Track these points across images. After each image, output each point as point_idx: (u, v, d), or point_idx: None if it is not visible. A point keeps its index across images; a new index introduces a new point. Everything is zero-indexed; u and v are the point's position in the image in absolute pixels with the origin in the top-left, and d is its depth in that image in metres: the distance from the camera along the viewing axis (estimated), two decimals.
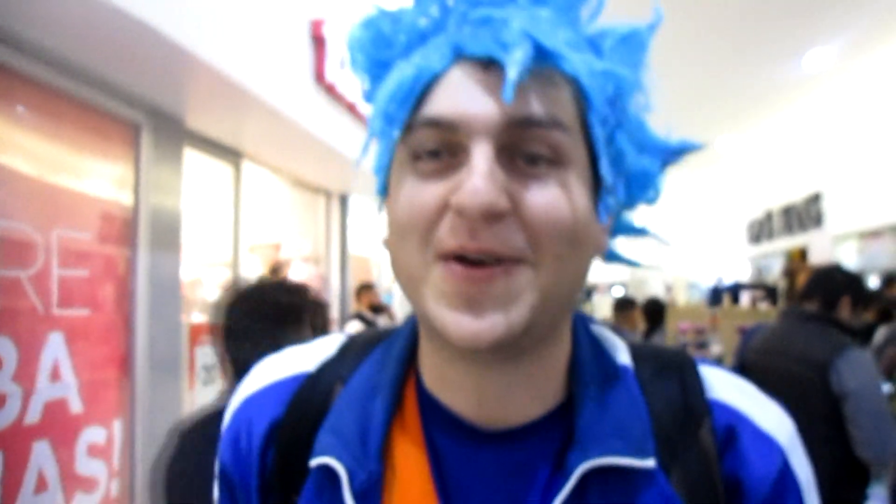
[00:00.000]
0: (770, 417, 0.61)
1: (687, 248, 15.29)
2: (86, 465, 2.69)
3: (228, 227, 4.17)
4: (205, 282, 4.30)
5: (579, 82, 0.53)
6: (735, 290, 6.56)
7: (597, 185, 0.56)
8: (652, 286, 16.50)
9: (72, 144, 2.73)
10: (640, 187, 0.62)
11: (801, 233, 9.70)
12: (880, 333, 3.98)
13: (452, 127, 0.51)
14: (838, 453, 2.36)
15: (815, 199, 9.22)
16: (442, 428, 0.60)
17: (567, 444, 0.57)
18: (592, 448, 0.55)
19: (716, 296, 6.77)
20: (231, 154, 4.07)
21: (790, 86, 6.79)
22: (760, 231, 11.61)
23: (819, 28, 5.42)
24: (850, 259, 7.97)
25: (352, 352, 0.69)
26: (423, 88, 0.53)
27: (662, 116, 0.65)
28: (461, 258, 0.51)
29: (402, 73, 0.54)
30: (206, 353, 3.81)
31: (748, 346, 2.75)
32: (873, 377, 2.33)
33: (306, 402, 0.65)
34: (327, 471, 0.59)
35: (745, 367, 2.71)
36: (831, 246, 8.21)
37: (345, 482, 0.56)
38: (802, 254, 9.72)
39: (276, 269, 5.67)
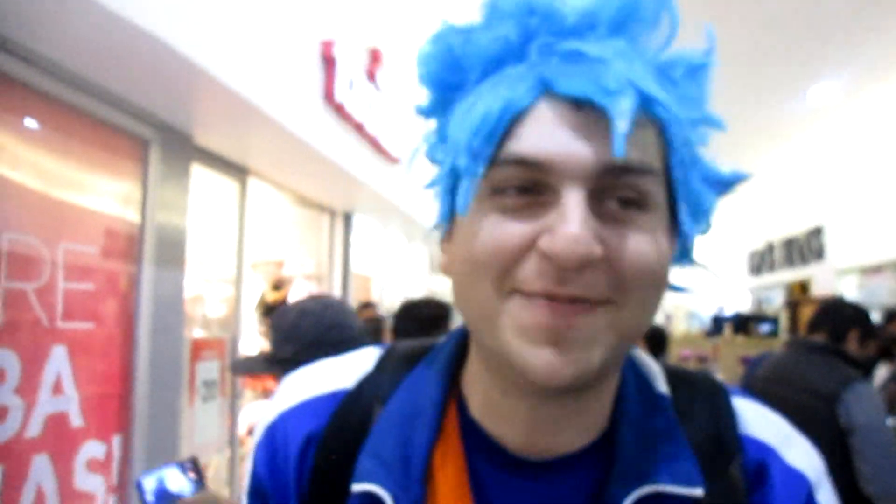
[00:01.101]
0: (800, 453, 0.61)
1: (687, 277, 15.29)
2: (84, 481, 2.67)
3: (232, 243, 4.17)
4: (206, 298, 4.29)
5: (665, 126, 0.52)
6: (737, 321, 6.56)
7: (673, 227, 0.56)
8: None
9: (80, 159, 2.74)
10: (700, 220, 0.60)
11: (803, 266, 9.72)
12: (882, 371, 3.96)
13: (543, 168, 0.49)
14: (842, 485, 2.34)
15: (817, 232, 9.25)
16: (484, 455, 0.60)
17: (607, 474, 0.57)
18: (636, 479, 0.55)
19: (717, 325, 6.77)
20: (237, 170, 4.08)
21: (795, 119, 6.85)
22: (761, 262, 11.63)
23: (824, 63, 5.48)
24: (850, 294, 7.98)
25: (390, 367, 0.68)
26: (510, 121, 0.51)
27: None
28: (546, 296, 0.50)
29: (486, 105, 0.51)
30: (207, 369, 3.79)
31: (754, 375, 2.75)
32: (880, 411, 2.32)
33: (346, 421, 0.64)
34: (371, 497, 0.58)
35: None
36: (835, 279, 8.22)
37: None
38: (803, 287, 9.73)
39: (278, 285, 5.67)
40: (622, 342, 0.52)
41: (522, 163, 0.50)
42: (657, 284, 0.52)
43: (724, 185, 0.61)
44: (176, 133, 3.27)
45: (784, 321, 7.81)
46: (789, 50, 5.24)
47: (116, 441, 2.91)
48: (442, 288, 11.03)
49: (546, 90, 0.50)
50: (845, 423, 2.31)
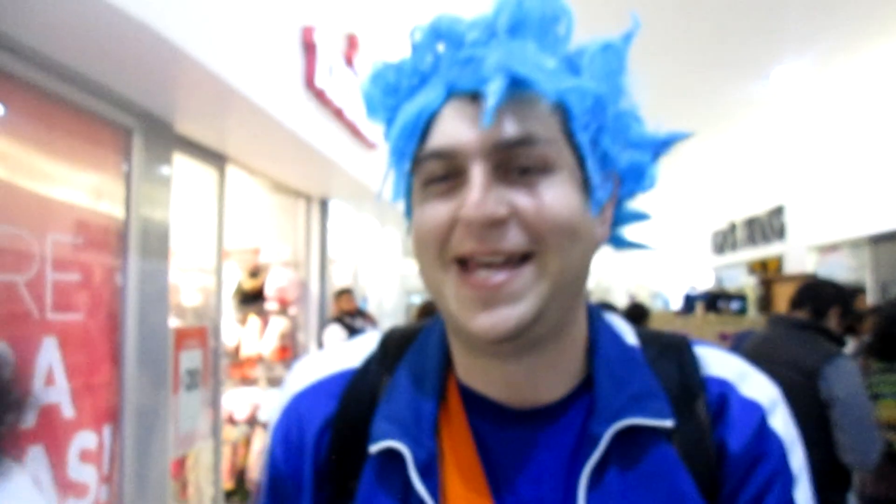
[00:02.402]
0: (754, 385, 0.70)
1: (652, 257, 15.55)
2: (78, 471, 2.65)
3: (212, 231, 4.14)
4: (186, 287, 4.26)
5: (560, 99, 0.61)
6: (707, 299, 6.73)
7: (586, 184, 0.65)
8: (616, 295, 16.75)
9: (63, 149, 2.69)
10: (634, 179, 0.71)
11: (765, 244, 9.95)
12: (848, 346, 4.13)
13: (452, 155, 0.61)
14: (824, 457, 2.46)
15: (778, 212, 9.47)
16: (479, 412, 0.69)
17: (588, 416, 0.66)
18: (613, 416, 0.64)
19: (689, 304, 6.94)
20: (216, 158, 4.05)
21: (757, 100, 6.98)
22: (724, 242, 11.87)
23: (786, 44, 5.59)
24: (808, 271, 8.19)
25: (392, 346, 0.77)
26: (426, 125, 0.63)
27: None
28: (473, 262, 0.61)
29: (406, 113, 0.64)
30: (190, 358, 3.78)
31: (738, 353, 2.85)
32: (859, 385, 2.43)
33: (357, 394, 0.72)
34: (389, 454, 0.66)
35: None
36: (807, 257, 8.45)
37: (409, 461, 0.64)
38: (764, 265, 9.98)
39: (255, 273, 5.65)
40: (555, 289, 0.61)
41: (437, 156, 0.62)
42: (570, 232, 0.61)
43: (658, 146, 0.71)
44: (157, 121, 3.23)
45: (751, 298, 8.04)
46: (752, 32, 5.33)
47: (107, 431, 2.89)
48: (413, 272, 11.07)
49: (451, 93, 0.63)
50: (826, 396, 2.41)
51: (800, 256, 8.63)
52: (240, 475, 5.59)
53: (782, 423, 0.69)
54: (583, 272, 0.66)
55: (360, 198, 6.16)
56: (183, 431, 3.70)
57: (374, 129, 5.31)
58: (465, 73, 0.61)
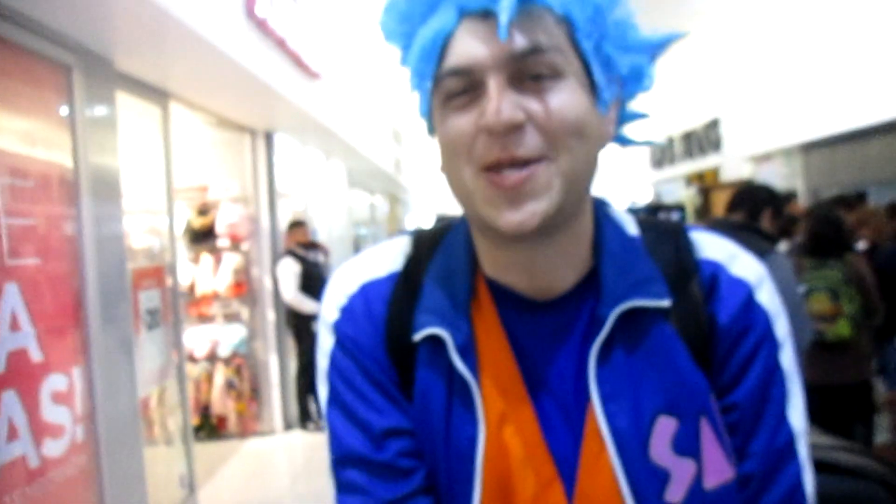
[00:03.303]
0: (743, 265, 0.78)
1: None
2: (51, 412, 2.70)
3: (159, 171, 4.09)
4: (137, 229, 4.22)
5: (563, 11, 0.66)
6: (649, 211, 6.97)
7: (593, 87, 0.70)
8: None
9: (2, 88, 2.62)
10: (635, 80, 0.77)
11: (701, 157, 10.24)
12: (782, 246, 4.39)
13: (469, 71, 0.66)
14: None
15: (714, 124, 9.72)
16: (505, 302, 0.77)
17: (597, 302, 0.74)
18: (617, 299, 0.72)
19: None
20: (159, 95, 3.97)
21: (692, 14, 7.07)
22: (663, 156, 12.15)
23: None
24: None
25: (424, 248, 0.84)
26: (443, 45, 0.68)
27: None
28: (498, 167, 0.66)
29: (423, 36, 0.68)
30: (149, 297, 3.80)
31: None
32: (791, 278, 2.63)
33: (402, 295, 0.80)
34: (432, 340, 0.75)
35: None
36: (743, 167, 8.75)
37: (450, 343, 0.73)
38: (700, 177, 10.29)
39: (203, 211, 5.61)
40: (569, 185, 0.68)
41: (456, 73, 0.67)
42: (579, 132, 0.67)
43: (654, 48, 0.77)
44: (97, 57, 3.14)
45: (690, 208, 8.35)
46: None
47: (76, 372, 2.93)
48: (359, 204, 11.04)
49: (463, 13, 0.67)
50: None
51: (736, 167, 8.94)
52: (204, 411, 5.69)
53: (768, 296, 0.76)
54: (591, 169, 0.72)
55: (305, 130, 6.10)
56: (149, 369, 3.75)
57: (318, 59, 5.23)
58: None
